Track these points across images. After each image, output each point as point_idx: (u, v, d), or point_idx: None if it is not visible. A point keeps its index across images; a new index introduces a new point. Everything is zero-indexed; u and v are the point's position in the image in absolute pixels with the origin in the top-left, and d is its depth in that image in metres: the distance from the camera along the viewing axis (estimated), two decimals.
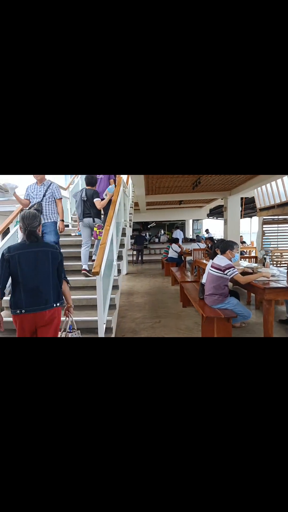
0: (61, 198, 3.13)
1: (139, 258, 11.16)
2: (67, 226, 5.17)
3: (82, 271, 3.28)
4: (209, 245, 8.17)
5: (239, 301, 2.99)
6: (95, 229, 3.39)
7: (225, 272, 2.79)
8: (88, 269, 3.32)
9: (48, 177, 4.44)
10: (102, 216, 3.74)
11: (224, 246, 2.92)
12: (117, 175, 4.39)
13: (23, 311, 1.65)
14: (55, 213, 3.10)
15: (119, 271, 3.61)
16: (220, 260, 2.86)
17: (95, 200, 3.42)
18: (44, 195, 3.03)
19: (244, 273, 3.17)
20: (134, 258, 11.20)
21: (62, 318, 1.95)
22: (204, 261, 5.86)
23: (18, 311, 1.66)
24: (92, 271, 2.26)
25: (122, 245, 4.21)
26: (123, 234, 4.43)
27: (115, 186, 4.13)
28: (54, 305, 1.73)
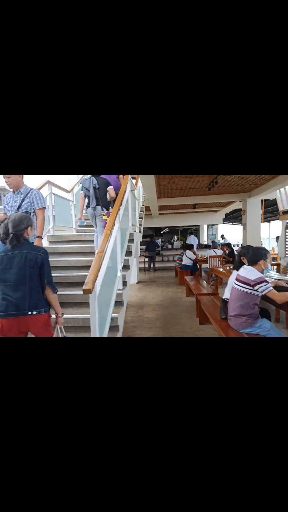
0: (44, 208, 2.37)
1: (151, 266, 10.61)
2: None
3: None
4: (226, 252, 7.53)
5: (272, 323, 2.37)
6: (104, 217, 3.23)
7: (256, 288, 2.19)
8: None
9: (53, 178, 4.06)
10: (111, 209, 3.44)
11: (254, 255, 2.32)
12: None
13: (1, 314, 1.58)
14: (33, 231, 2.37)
15: (124, 283, 3.08)
16: (249, 272, 2.26)
17: (109, 188, 3.30)
18: (19, 206, 2.30)
19: (278, 288, 2.54)
20: (146, 266, 10.66)
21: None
22: (221, 270, 5.24)
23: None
24: (83, 288, 1.74)
25: (129, 253, 3.70)
26: (131, 240, 3.91)
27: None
28: (29, 312, 1.59)
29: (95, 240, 3.37)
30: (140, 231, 5.20)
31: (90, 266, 3.34)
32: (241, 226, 16.40)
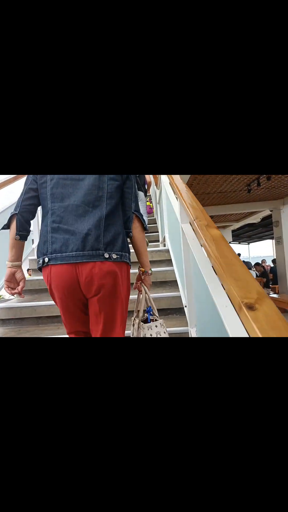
0: None
1: None
2: None
3: None
4: (257, 274, 6.12)
5: None
6: (148, 203, 3.14)
7: None
8: None
9: None
10: None
11: None
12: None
13: (46, 259, 0.86)
14: None
15: None
16: None
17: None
18: None
19: None
20: None
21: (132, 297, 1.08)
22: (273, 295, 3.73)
23: (41, 261, 0.88)
24: None
25: None
26: None
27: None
28: (106, 255, 0.84)
29: None
30: None
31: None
32: (247, 245, 15.32)
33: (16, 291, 0.93)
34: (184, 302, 1.72)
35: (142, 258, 1.00)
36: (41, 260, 0.87)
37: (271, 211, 6.17)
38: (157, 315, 1.13)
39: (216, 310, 0.81)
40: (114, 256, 0.85)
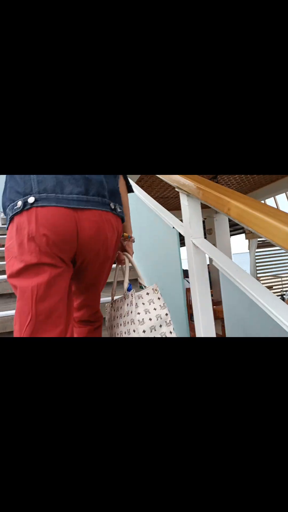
0: None
1: None
2: None
3: None
4: None
5: None
6: None
7: None
8: None
9: None
10: None
11: None
12: None
13: (30, 200, 0.63)
14: None
15: None
16: None
17: None
18: None
19: None
20: None
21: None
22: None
23: (20, 203, 0.63)
24: None
25: None
26: None
27: None
28: (112, 205, 0.74)
29: None
30: None
31: None
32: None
33: None
34: None
35: (127, 222, 0.93)
36: (20, 202, 0.61)
37: (204, 219, 6.28)
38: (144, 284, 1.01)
39: None
40: (119, 209, 0.75)
